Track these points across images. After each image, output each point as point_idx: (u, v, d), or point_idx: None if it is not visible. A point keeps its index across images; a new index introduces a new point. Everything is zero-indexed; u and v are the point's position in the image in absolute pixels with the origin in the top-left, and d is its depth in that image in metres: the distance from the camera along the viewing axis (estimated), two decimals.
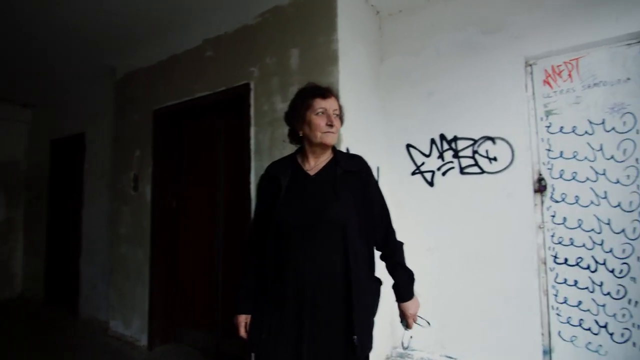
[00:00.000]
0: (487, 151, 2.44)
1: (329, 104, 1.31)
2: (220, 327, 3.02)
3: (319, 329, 1.20)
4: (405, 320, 1.41)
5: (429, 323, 1.45)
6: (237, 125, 2.83)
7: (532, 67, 2.37)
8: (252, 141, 2.58)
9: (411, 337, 1.46)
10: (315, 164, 1.35)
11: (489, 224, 2.41)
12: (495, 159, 2.40)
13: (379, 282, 1.40)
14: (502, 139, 2.39)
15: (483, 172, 2.44)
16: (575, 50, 2.25)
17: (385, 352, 2.64)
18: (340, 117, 1.38)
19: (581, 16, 2.20)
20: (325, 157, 1.37)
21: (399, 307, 1.41)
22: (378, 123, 2.76)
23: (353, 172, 1.34)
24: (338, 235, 1.24)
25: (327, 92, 1.33)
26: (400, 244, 1.43)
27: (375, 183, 1.44)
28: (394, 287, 1.40)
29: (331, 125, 1.29)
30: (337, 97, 1.37)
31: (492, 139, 2.42)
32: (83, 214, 4.25)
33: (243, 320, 1.38)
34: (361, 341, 1.20)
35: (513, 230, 2.33)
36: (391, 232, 1.42)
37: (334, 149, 1.40)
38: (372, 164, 2.58)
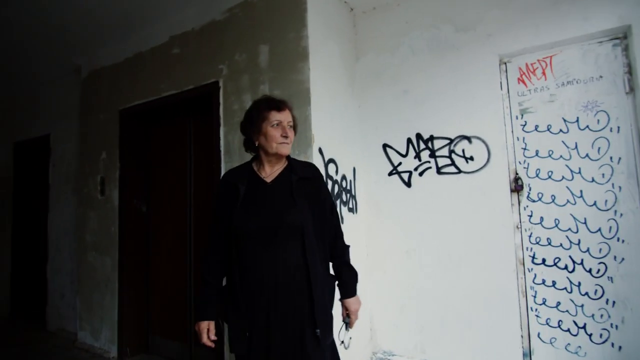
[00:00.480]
0: (463, 150, 2.39)
1: (283, 117, 1.39)
2: (193, 336, 2.89)
3: (285, 324, 1.27)
4: (349, 317, 1.49)
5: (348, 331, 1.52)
6: (206, 126, 2.70)
7: (507, 65, 2.34)
8: (222, 142, 2.46)
9: (350, 337, 1.52)
10: (271, 171, 1.42)
11: (466, 224, 2.36)
12: (471, 158, 2.36)
13: (334, 278, 1.49)
14: (478, 138, 2.34)
15: (460, 171, 2.39)
16: (548, 48, 2.22)
17: (365, 358, 2.57)
18: (294, 128, 1.46)
19: (552, 14, 2.17)
20: (281, 165, 1.44)
21: (343, 304, 1.49)
22: (354, 122, 2.68)
23: (307, 179, 1.42)
24: (296, 238, 1.31)
25: (282, 105, 1.41)
26: (347, 246, 1.53)
27: (327, 188, 1.53)
28: (340, 284, 1.48)
29: (286, 137, 1.37)
30: (291, 109, 1.45)
31: (468, 138, 2.37)
32: (49, 220, 4.04)
33: (206, 326, 1.38)
34: (323, 333, 1.30)
35: (491, 231, 2.29)
36: (339, 234, 1.52)
37: (288, 157, 1.46)
38: (348, 164, 2.52)
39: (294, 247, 1.30)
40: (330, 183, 2.24)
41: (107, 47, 3.26)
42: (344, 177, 2.42)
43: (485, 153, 2.31)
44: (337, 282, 1.49)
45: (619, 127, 2.04)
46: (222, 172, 2.45)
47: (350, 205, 2.49)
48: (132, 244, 3.11)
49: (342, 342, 1.49)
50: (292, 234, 1.30)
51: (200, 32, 2.68)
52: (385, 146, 2.67)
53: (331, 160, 2.26)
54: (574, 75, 2.16)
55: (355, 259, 2.51)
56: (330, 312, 1.39)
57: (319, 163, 2.12)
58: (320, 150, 2.15)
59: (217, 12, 2.57)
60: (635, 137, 1.99)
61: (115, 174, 3.15)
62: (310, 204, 1.37)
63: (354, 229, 2.51)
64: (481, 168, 2.32)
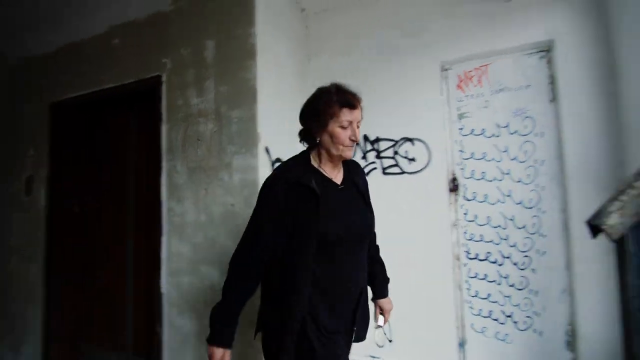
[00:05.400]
0: (406, 152, 2.49)
1: (354, 116, 1.23)
2: (131, 345, 2.73)
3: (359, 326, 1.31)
4: (383, 316, 1.51)
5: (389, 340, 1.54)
6: (148, 122, 2.57)
7: (447, 72, 2.48)
8: (164, 139, 2.35)
9: (390, 340, 1.53)
10: (335, 172, 1.31)
11: (409, 223, 2.46)
12: (414, 159, 2.47)
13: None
14: (420, 140, 2.46)
15: (403, 172, 2.50)
16: (484, 57, 2.38)
17: None
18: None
19: (490, 25, 2.33)
20: (340, 165, 1.34)
21: (377, 305, 1.50)
22: None
23: (361, 179, 1.39)
24: (367, 244, 1.34)
25: (356, 102, 1.24)
26: (378, 246, 1.56)
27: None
28: (375, 284, 1.48)
29: (354, 141, 1.24)
30: (361, 106, 1.29)
31: (411, 140, 2.48)
32: None
33: (221, 355, 1.19)
34: (357, 332, 1.31)
35: (431, 229, 2.41)
36: (375, 234, 1.50)
37: None
38: None
39: (366, 251, 1.33)
40: None
41: (36, 35, 2.97)
42: None
43: (427, 155, 2.43)
44: (373, 282, 1.48)
45: (543, 132, 2.24)
46: (164, 172, 2.34)
47: None
48: (62, 249, 2.87)
49: (380, 343, 1.49)
50: (368, 239, 1.35)
51: (144, 23, 2.53)
52: None
53: (278, 160, 2.24)
54: (506, 83, 2.34)
55: None
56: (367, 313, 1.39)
57: (265, 162, 2.10)
58: (267, 150, 2.13)
59: (165, 3, 2.45)
60: (557, 141, 2.19)
61: (44, 173, 2.89)
62: None
63: None
64: (423, 169, 2.44)
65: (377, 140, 2.57)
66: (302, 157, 1.31)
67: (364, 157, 2.61)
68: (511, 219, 2.27)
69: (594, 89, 2.08)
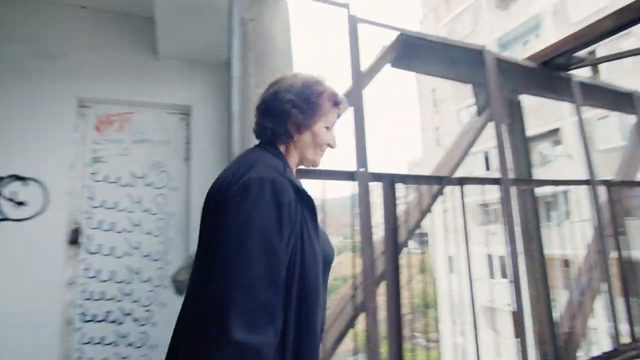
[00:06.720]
0: (14, 193, 1.98)
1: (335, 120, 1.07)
2: None
3: None
4: None
5: None
6: None
7: (85, 110, 2.25)
8: None
9: None
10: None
11: (12, 280, 1.92)
12: (24, 203, 1.99)
13: None
14: (37, 180, 2.03)
15: (6, 219, 1.95)
16: (129, 105, 2.34)
17: None
18: None
19: (137, 76, 2.34)
20: None
21: None
22: None
23: None
24: None
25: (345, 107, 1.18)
26: None
27: None
28: None
29: (331, 147, 1.05)
30: None
31: (24, 179, 2.01)
32: None
33: None
34: None
35: (41, 288, 1.97)
36: None
37: None
38: None
39: None
40: None
41: None
42: None
43: (42, 199, 2.02)
44: None
45: (177, 187, 2.38)
46: None
47: None
48: None
49: None
50: None
51: None
52: None
53: None
54: (147, 135, 2.37)
55: None
56: None
57: None
58: None
59: None
60: (187, 196, 2.38)
61: None
62: None
63: None
64: (35, 215, 2.00)
65: None
66: (278, 154, 0.99)
67: None
68: (137, 273, 2.20)
69: (218, 153, 2.45)
